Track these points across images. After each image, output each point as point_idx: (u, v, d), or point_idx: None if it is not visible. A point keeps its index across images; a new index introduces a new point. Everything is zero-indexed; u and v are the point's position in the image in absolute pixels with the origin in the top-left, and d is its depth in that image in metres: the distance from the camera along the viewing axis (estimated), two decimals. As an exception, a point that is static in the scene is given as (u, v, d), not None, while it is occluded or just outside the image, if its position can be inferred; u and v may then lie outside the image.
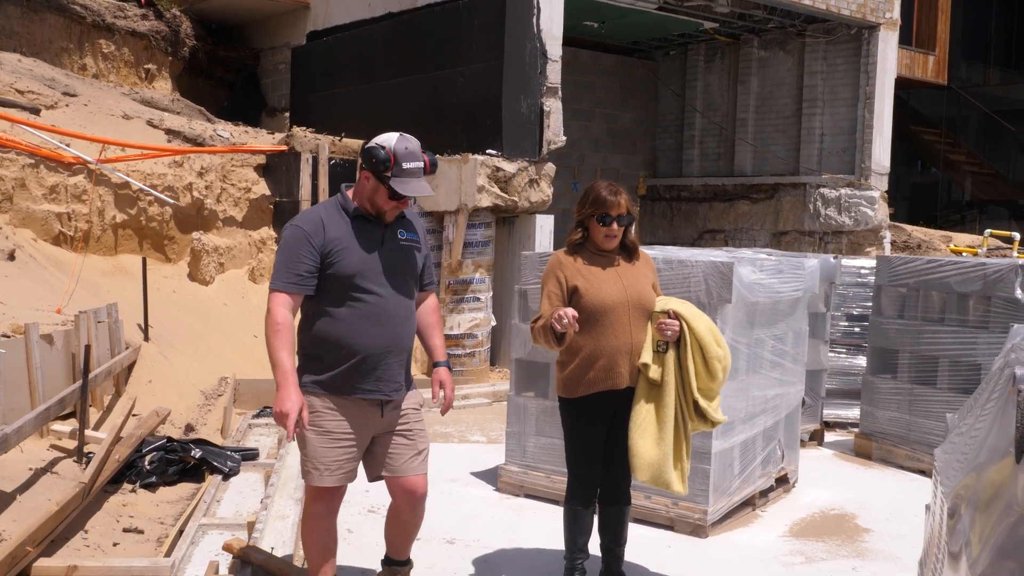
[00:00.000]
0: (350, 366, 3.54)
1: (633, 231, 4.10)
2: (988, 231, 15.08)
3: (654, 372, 3.88)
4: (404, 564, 3.91)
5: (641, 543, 4.84)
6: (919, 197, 24.40)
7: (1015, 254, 14.44)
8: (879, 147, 13.83)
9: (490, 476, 6.04)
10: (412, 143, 3.58)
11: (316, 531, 3.70)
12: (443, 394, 3.81)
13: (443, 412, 3.89)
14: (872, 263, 7.72)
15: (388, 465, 3.68)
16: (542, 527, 5.11)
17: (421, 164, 3.57)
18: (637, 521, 5.14)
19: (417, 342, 3.87)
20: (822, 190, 14.08)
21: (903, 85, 20.34)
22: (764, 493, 5.66)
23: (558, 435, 5.49)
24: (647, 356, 3.89)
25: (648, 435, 3.88)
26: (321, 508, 3.67)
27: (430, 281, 3.89)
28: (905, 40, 19.69)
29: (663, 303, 3.98)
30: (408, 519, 3.78)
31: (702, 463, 5.00)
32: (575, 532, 4.12)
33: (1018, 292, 5.89)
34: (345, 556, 4.42)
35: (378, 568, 4.01)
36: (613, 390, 3.93)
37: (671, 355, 3.89)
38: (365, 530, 4.99)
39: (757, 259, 5.42)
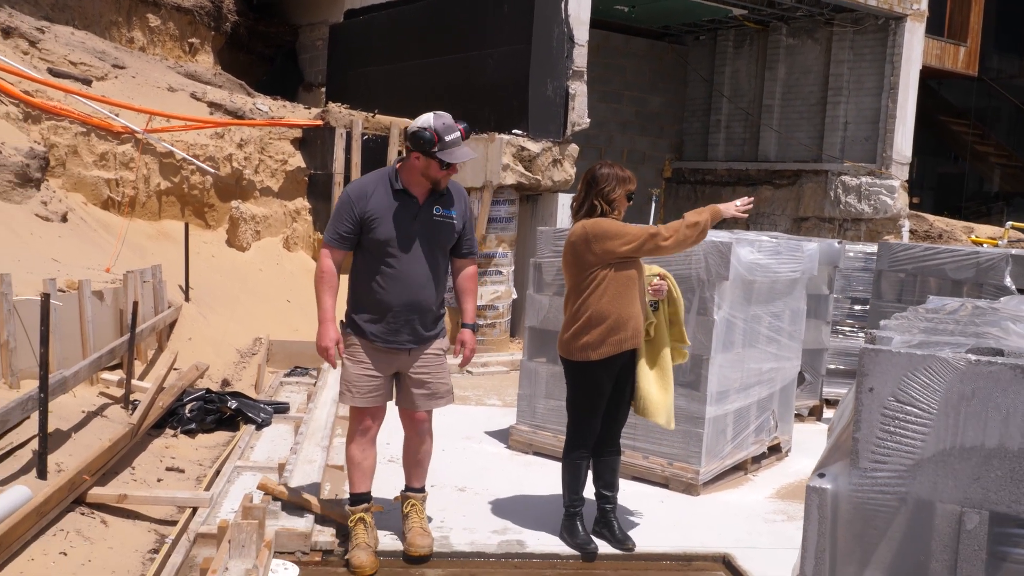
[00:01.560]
0: (375, 317, 4.20)
1: None
2: (1009, 223, 15.25)
3: (652, 328, 4.44)
4: (418, 491, 4.50)
5: (637, 498, 5.27)
6: (945, 187, 24.44)
7: (1034, 246, 14.60)
8: (901, 137, 14.04)
9: (502, 435, 6.48)
10: (446, 118, 4.17)
11: (355, 447, 4.36)
12: (464, 351, 4.44)
13: (461, 367, 4.54)
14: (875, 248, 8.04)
15: (403, 400, 4.38)
16: (547, 480, 5.55)
17: (459, 133, 4.16)
18: (635, 479, 5.57)
19: None
20: (843, 178, 14.32)
21: (933, 75, 20.41)
22: (756, 459, 6.06)
23: (565, 398, 5.93)
24: (651, 315, 4.46)
25: (655, 383, 4.45)
26: (359, 426, 4.32)
27: (469, 251, 4.47)
28: (937, 31, 19.76)
29: (649, 269, 4.59)
30: (416, 446, 4.44)
31: (696, 427, 5.42)
32: (576, 481, 4.56)
33: (1007, 280, 6.21)
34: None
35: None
36: (629, 349, 4.41)
37: (661, 311, 4.57)
38: (385, 476, 5.45)
39: (757, 240, 5.80)
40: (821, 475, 1.69)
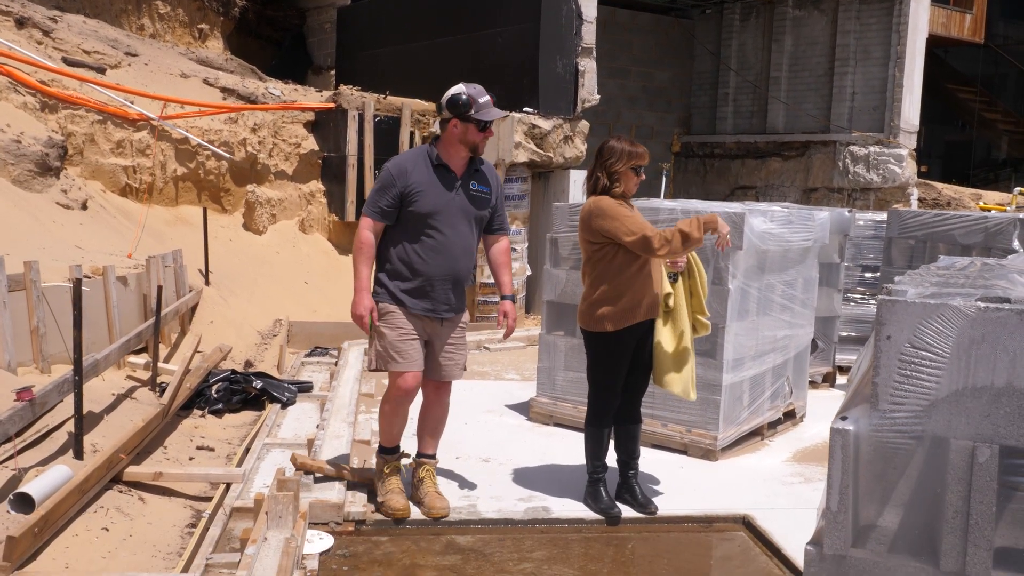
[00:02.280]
0: (415, 286, 4.37)
1: None
2: (1017, 189, 15.28)
3: (671, 300, 4.53)
4: (432, 457, 4.69)
5: (657, 464, 5.41)
6: (953, 155, 24.41)
7: (1044, 212, 14.63)
8: (908, 106, 14.07)
9: (523, 408, 6.62)
10: (475, 86, 4.41)
11: (391, 411, 4.53)
12: (507, 322, 4.63)
13: (505, 337, 4.72)
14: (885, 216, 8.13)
15: (431, 370, 4.54)
16: (569, 450, 5.68)
17: (489, 97, 4.40)
18: (655, 447, 5.71)
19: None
20: (851, 148, 14.36)
21: (940, 43, 20.35)
22: (772, 425, 6.19)
23: (584, 369, 6.06)
24: (667, 287, 4.52)
25: (673, 354, 4.53)
26: (400, 395, 4.46)
27: (500, 226, 4.67)
28: (943, -2, 19.68)
29: None
30: (438, 414, 4.65)
31: (713, 394, 5.54)
32: (598, 449, 4.69)
33: (1016, 243, 6.30)
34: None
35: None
36: (646, 320, 4.52)
37: (679, 283, 4.61)
38: (411, 448, 5.61)
39: (769, 211, 5.89)
40: (843, 418, 1.81)
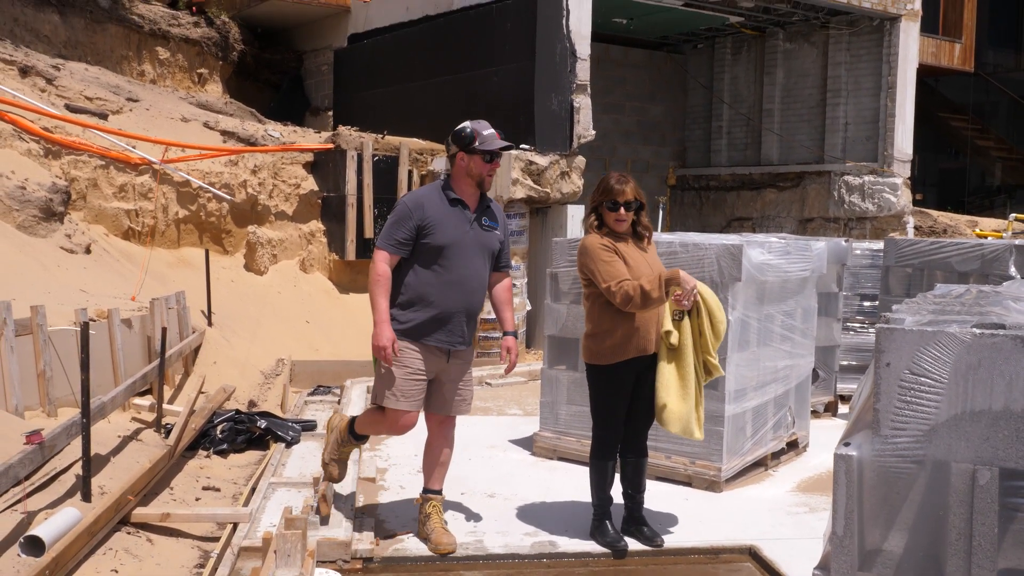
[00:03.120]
0: (429, 318, 4.42)
1: (645, 216, 4.64)
2: (1013, 215, 15.40)
3: (674, 338, 4.51)
4: (439, 492, 4.72)
5: (662, 496, 5.42)
6: (948, 183, 24.58)
7: (1039, 237, 14.73)
8: (901, 135, 14.22)
9: (526, 443, 6.64)
10: (480, 121, 4.56)
11: (376, 430, 4.74)
12: (509, 357, 4.71)
13: (507, 371, 4.81)
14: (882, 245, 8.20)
15: (437, 405, 4.61)
16: (573, 484, 5.69)
17: (493, 130, 4.53)
18: (659, 479, 5.72)
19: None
20: (846, 177, 14.50)
21: (930, 73, 20.61)
22: (776, 455, 6.21)
23: (587, 403, 6.08)
24: (668, 324, 4.52)
25: (673, 393, 4.51)
26: (394, 428, 4.57)
27: (506, 264, 4.76)
28: (931, 29, 19.97)
29: None
30: (443, 448, 4.69)
31: (716, 425, 5.57)
32: (603, 482, 4.71)
33: (1012, 270, 6.37)
34: (390, 499, 5.07)
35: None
36: (642, 356, 4.53)
37: (685, 322, 4.54)
38: (415, 485, 5.62)
39: (767, 242, 5.97)
40: (847, 444, 1.86)
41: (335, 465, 4.90)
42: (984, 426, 1.76)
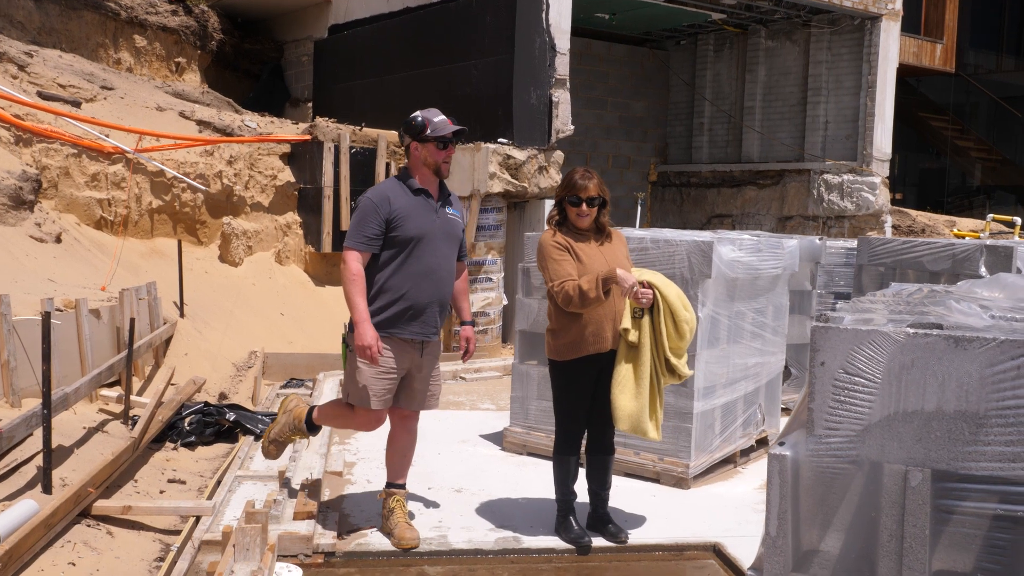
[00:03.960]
0: (403, 310, 4.39)
1: (606, 213, 4.63)
2: (991, 216, 15.48)
3: (632, 336, 4.45)
4: (402, 487, 4.70)
5: (630, 493, 5.41)
6: (927, 183, 24.73)
7: (1016, 238, 14.83)
8: (880, 134, 14.27)
9: (496, 438, 6.61)
10: (430, 110, 4.54)
11: (343, 425, 4.77)
12: (468, 347, 4.74)
13: (464, 359, 4.80)
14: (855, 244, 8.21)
15: (406, 400, 4.59)
16: (541, 480, 5.67)
17: (444, 116, 4.52)
18: (627, 475, 5.71)
19: None
20: (825, 176, 14.54)
21: (912, 73, 20.70)
22: (745, 452, 6.21)
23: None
24: (626, 322, 4.46)
25: (627, 390, 4.45)
26: (362, 426, 4.59)
27: (464, 254, 4.76)
28: (913, 29, 20.05)
29: (637, 274, 4.51)
30: (407, 444, 4.69)
31: (684, 422, 5.56)
32: (566, 478, 4.69)
33: (982, 269, 6.39)
34: (356, 493, 5.04)
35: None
36: (600, 353, 4.50)
37: (646, 320, 4.47)
38: (382, 480, 5.60)
39: (738, 239, 5.96)
40: (781, 443, 1.84)
41: (275, 447, 4.99)
42: (917, 427, 1.74)
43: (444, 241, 4.50)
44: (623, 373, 4.47)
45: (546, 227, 4.70)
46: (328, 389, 7.73)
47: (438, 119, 4.46)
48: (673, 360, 4.51)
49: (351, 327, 4.39)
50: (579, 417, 4.62)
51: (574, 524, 4.66)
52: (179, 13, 13.57)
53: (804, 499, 1.82)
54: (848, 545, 1.79)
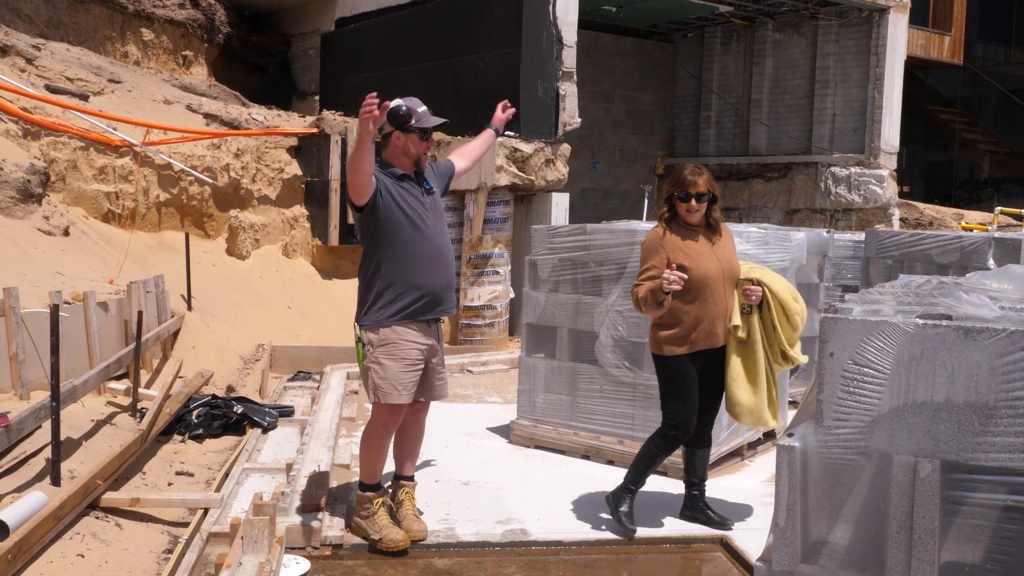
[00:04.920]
0: (420, 296, 4.38)
1: (717, 209, 4.55)
2: (998, 208, 15.42)
3: (741, 332, 4.52)
4: (411, 479, 4.71)
5: (636, 485, 5.41)
6: (935, 175, 24.64)
7: (1024, 231, 14.77)
8: (888, 127, 14.22)
9: (504, 431, 6.62)
10: (412, 98, 4.49)
11: (380, 444, 4.52)
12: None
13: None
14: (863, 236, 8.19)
15: (423, 391, 4.58)
16: (548, 473, 5.69)
17: (426, 107, 4.50)
18: (634, 468, 5.71)
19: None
20: (833, 169, 14.49)
21: (920, 65, 20.61)
22: (752, 445, 6.20)
23: (565, 392, 6.09)
24: (736, 319, 4.53)
25: (743, 385, 4.53)
26: (392, 423, 4.49)
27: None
28: (921, 21, 19.95)
29: (746, 271, 4.60)
30: (417, 435, 4.70)
31: (692, 415, 5.55)
32: (649, 468, 4.71)
33: (991, 262, 6.37)
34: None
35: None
36: (711, 348, 4.52)
37: (755, 315, 4.54)
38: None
39: (745, 232, 5.94)
40: (790, 435, 1.84)
41: (387, 530, 4.49)
42: (926, 418, 1.74)
43: (438, 219, 4.50)
44: (736, 368, 4.54)
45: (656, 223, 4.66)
46: (335, 382, 7.75)
47: (421, 109, 4.43)
48: (790, 352, 4.59)
49: (361, 323, 4.40)
50: (692, 412, 4.58)
51: (628, 504, 4.69)
52: (186, 6, 13.57)
53: (813, 490, 1.82)
54: (857, 536, 1.79)
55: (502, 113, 5.05)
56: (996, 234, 6.55)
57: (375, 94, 4.06)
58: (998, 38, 24.94)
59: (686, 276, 4.28)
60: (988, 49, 24.74)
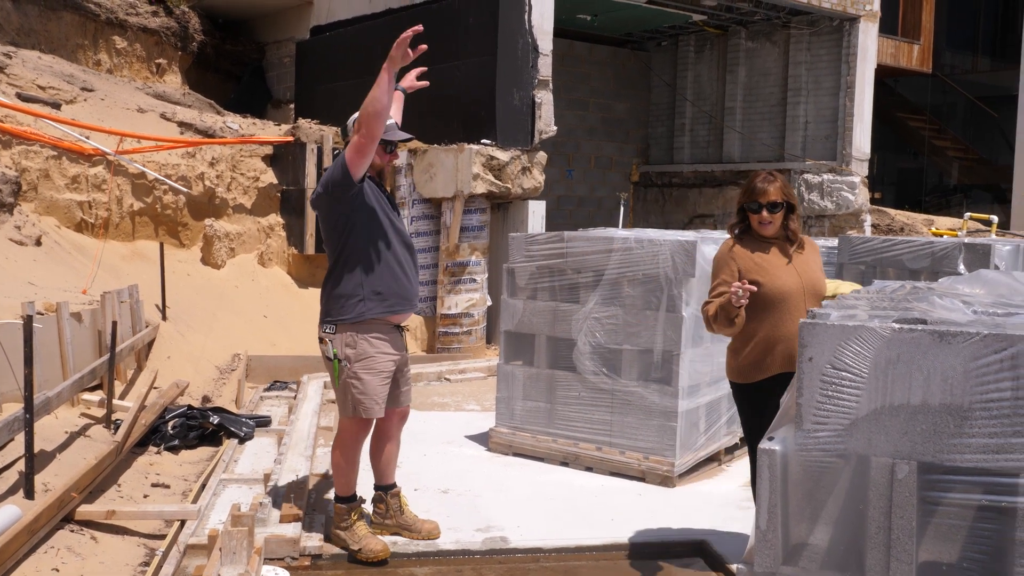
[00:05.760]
0: (399, 295, 4.40)
1: (795, 219, 4.13)
2: (968, 214, 15.61)
3: None
4: (392, 486, 4.71)
5: (615, 492, 5.44)
6: (905, 182, 24.96)
7: (993, 236, 14.97)
8: (859, 134, 14.39)
9: (482, 439, 6.62)
10: None
11: (352, 456, 4.52)
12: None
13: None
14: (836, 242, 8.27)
15: (394, 400, 4.58)
16: (527, 480, 5.69)
17: (393, 120, 4.48)
18: (613, 474, 5.74)
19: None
20: (805, 176, 14.64)
21: (890, 73, 20.88)
22: (729, 450, 6.25)
23: (543, 399, 6.11)
24: None
25: None
26: (364, 435, 4.51)
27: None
28: (891, 30, 20.22)
29: (834, 287, 4.23)
30: (396, 443, 4.70)
31: (669, 421, 5.59)
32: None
33: (961, 267, 6.45)
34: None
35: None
36: (790, 372, 3.76)
37: None
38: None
39: (721, 239, 5.99)
40: (770, 438, 1.86)
41: (367, 540, 4.47)
42: (903, 420, 1.77)
43: (399, 221, 4.47)
44: None
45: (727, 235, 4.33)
46: (312, 391, 7.71)
47: (388, 121, 4.37)
48: None
49: (333, 330, 4.36)
50: (755, 442, 3.98)
51: None
52: (159, 14, 13.49)
53: (793, 493, 1.84)
54: (836, 538, 1.82)
55: (416, 80, 4.88)
56: (966, 240, 6.64)
57: (420, 27, 4.00)
58: (965, 47, 25.32)
59: (755, 288, 3.85)
60: (956, 57, 25.11)
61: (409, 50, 4.03)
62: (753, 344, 4.02)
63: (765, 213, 4.02)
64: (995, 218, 15.10)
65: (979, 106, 23.61)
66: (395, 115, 4.71)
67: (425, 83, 4.93)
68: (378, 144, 4.32)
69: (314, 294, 10.26)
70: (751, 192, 4.06)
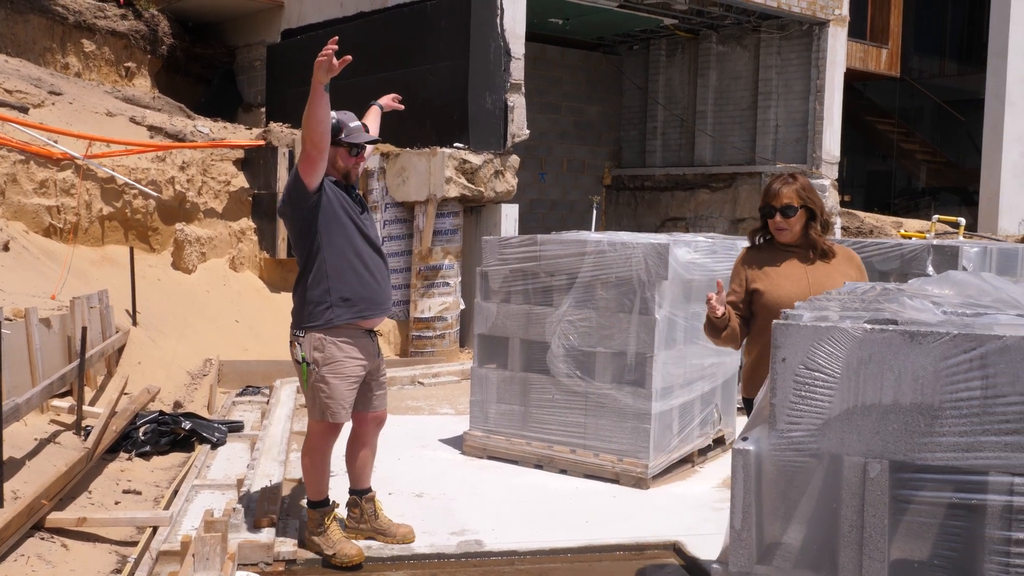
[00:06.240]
0: (367, 297, 4.36)
1: (816, 226, 3.82)
2: (936, 216, 15.83)
3: None
4: (368, 491, 4.69)
5: (590, 493, 5.46)
6: (875, 185, 25.25)
7: (961, 238, 15.18)
8: (829, 137, 14.54)
9: (456, 442, 6.62)
10: (346, 112, 4.46)
11: (322, 460, 4.50)
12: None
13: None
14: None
15: (368, 404, 4.57)
16: (502, 483, 5.70)
17: (359, 122, 4.47)
18: (587, 476, 5.76)
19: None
20: (777, 179, 14.77)
21: (858, 77, 21.11)
22: (703, 452, 6.29)
23: (517, 402, 6.11)
24: None
25: None
26: (332, 439, 4.48)
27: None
28: (859, 34, 20.46)
29: None
30: (373, 447, 4.69)
31: (643, 423, 5.62)
32: None
33: (930, 269, 6.54)
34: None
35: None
36: None
37: None
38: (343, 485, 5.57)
39: (693, 241, 6.04)
40: (744, 439, 1.88)
41: (341, 545, 4.47)
42: (875, 420, 1.80)
43: (372, 226, 4.47)
44: None
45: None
46: (285, 396, 7.67)
47: (353, 124, 4.38)
48: None
49: (303, 334, 4.33)
50: None
51: None
52: (129, 17, 13.37)
53: (767, 493, 1.86)
54: (810, 537, 1.84)
55: (392, 101, 4.95)
56: (934, 242, 6.74)
57: (336, 38, 4.03)
58: (933, 51, 25.67)
59: (724, 297, 3.70)
60: (924, 62, 25.45)
61: (335, 61, 4.01)
62: (753, 356, 3.87)
63: (779, 218, 3.75)
64: (963, 220, 15.33)
65: (946, 110, 23.94)
66: (372, 128, 4.72)
67: (401, 107, 4.99)
68: (343, 147, 4.33)
69: (286, 298, 10.21)
70: (765, 194, 3.83)
